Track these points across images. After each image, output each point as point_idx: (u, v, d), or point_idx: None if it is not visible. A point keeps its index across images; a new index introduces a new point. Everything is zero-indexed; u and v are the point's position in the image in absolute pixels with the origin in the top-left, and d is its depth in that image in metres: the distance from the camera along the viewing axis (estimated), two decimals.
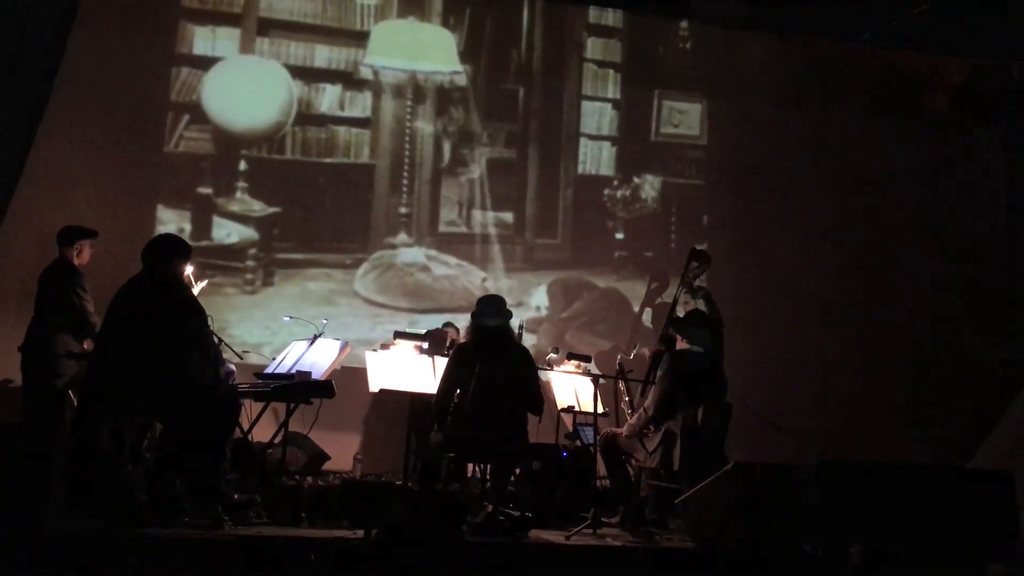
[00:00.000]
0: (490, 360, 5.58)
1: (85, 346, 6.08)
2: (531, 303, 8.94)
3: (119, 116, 8.07)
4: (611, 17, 9.50)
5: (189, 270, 5.92)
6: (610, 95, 9.46)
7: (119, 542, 4.44)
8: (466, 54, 9.07)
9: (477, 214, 8.99)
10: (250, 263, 8.38)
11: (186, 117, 8.38)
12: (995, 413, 8.02)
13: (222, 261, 8.24)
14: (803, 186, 9.49)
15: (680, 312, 6.66)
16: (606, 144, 9.42)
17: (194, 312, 5.23)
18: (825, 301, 9.22)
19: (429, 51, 9.02)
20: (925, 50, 9.92)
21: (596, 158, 9.38)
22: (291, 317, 7.06)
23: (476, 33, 9.14)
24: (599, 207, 9.28)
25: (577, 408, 6.62)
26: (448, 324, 7.74)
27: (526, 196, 9.16)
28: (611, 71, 9.47)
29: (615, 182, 9.36)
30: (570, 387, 6.71)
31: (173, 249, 5.36)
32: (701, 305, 6.71)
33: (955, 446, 8.02)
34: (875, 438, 8.48)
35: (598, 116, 9.43)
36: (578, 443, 6.84)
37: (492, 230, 9.02)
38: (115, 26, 8.14)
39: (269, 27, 8.64)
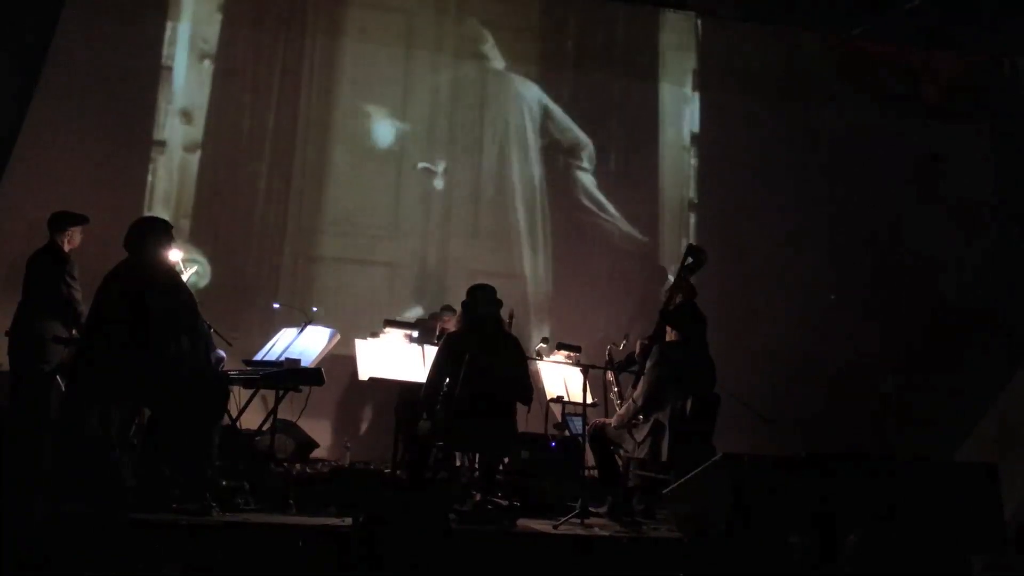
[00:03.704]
0: (480, 349, 5.58)
1: (73, 332, 6.05)
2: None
3: (108, 101, 8.05)
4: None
5: (179, 256, 5.89)
6: None
7: (107, 527, 4.42)
8: None
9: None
10: None
11: None
12: (982, 406, 8.06)
13: None
14: (792, 178, 9.49)
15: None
16: None
17: (184, 297, 5.20)
18: (814, 292, 9.23)
19: None
20: (917, 44, 9.93)
21: None
22: (280, 304, 7.03)
23: None
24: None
25: (566, 398, 6.63)
26: (446, 308, 7.70)
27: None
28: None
29: None
30: (559, 377, 6.72)
31: (153, 232, 5.29)
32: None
33: (942, 438, 8.06)
34: (862, 430, 8.51)
35: None
36: (567, 433, 6.85)
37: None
38: (105, 12, 8.11)
39: None
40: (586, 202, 9.18)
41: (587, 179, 9.22)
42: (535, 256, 9.01)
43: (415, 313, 8.32)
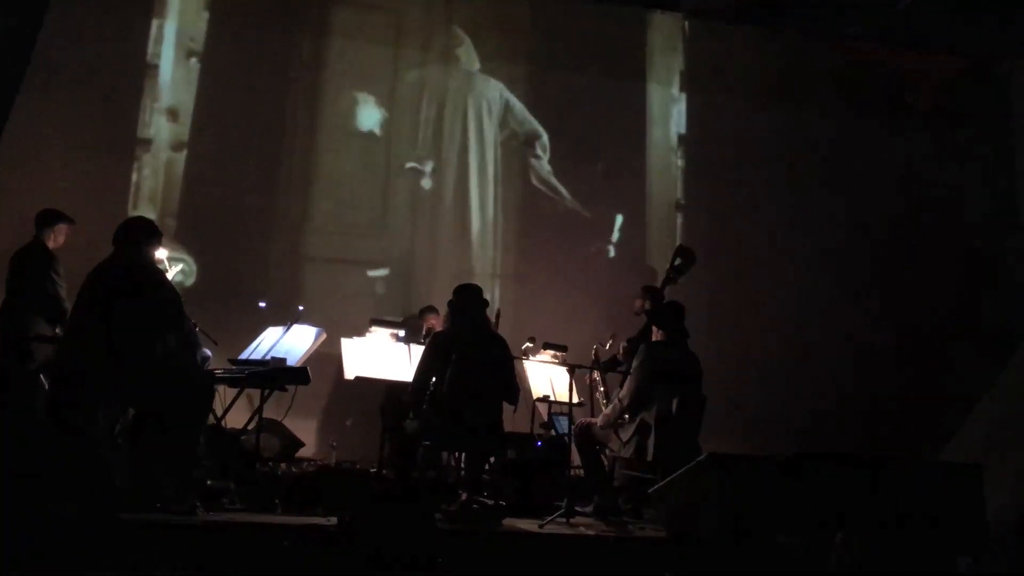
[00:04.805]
0: (467, 349, 5.58)
1: (57, 330, 6.01)
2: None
3: (94, 99, 8.01)
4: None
5: (164, 254, 5.87)
6: None
7: (96, 528, 4.39)
8: None
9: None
10: None
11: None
12: (967, 407, 8.10)
13: None
14: (783, 180, 9.51)
15: None
16: None
17: (170, 295, 5.18)
18: (802, 294, 9.24)
19: None
20: (910, 47, 9.95)
21: None
22: (266, 303, 7.00)
23: None
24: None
25: (552, 398, 6.64)
26: (428, 308, 7.70)
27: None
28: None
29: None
30: (545, 377, 6.72)
31: (144, 232, 5.27)
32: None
33: (928, 439, 8.09)
34: (849, 430, 8.54)
35: None
36: (553, 432, 6.85)
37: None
38: (90, 9, 8.08)
39: None
40: (573, 204, 9.18)
41: (574, 180, 9.21)
42: (522, 256, 9.00)
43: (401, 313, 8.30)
